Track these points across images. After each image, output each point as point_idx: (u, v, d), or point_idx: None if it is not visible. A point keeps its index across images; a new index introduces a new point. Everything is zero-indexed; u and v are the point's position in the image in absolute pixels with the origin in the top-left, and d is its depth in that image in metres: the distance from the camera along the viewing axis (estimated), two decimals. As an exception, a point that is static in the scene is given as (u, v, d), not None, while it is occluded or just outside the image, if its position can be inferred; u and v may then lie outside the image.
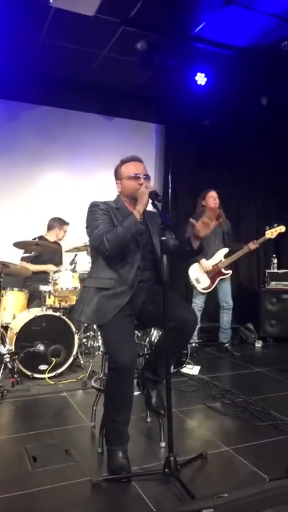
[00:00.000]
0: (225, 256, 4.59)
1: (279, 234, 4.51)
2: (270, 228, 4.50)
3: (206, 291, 4.59)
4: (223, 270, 4.58)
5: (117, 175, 2.45)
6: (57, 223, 4.75)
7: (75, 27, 4.07)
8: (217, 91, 4.80)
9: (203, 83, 4.63)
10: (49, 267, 4.38)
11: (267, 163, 6.10)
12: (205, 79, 4.62)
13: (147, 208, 2.31)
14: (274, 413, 2.90)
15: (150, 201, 2.24)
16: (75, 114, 5.41)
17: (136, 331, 2.93)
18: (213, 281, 4.58)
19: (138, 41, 4.10)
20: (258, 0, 3.72)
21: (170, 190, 5.88)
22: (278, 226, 4.48)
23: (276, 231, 4.47)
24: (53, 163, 5.40)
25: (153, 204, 2.25)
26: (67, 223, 4.76)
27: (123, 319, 2.24)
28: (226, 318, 4.71)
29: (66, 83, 5.20)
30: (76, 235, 4.40)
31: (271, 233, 4.47)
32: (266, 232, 4.49)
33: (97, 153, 5.44)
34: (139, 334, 3.10)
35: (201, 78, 4.62)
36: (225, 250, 4.61)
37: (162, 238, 2.08)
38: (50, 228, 4.77)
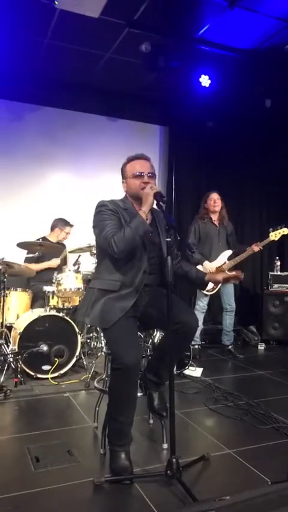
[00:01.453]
0: (229, 258, 4.59)
1: (283, 236, 4.51)
2: (274, 230, 4.48)
3: (209, 293, 4.59)
4: (227, 272, 4.57)
5: (123, 174, 2.42)
6: (60, 224, 4.75)
7: (80, 28, 4.08)
8: (221, 93, 4.80)
9: (207, 85, 4.63)
10: (52, 262, 4.39)
11: (271, 166, 6.09)
12: (209, 81, 4.62)
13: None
14: (276, 416, 2.90)
15: (155, 201, 2.24)
16: (80, 115, 5.43)
17: (139, 333, 2.93)
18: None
19: (142, 42, 4.11)
20: (262, 2, 3.72)
21: (173, 192, 5.88)
22: (281, 228, 4.47)
23: (280, 233, 4.45)
24: (57, 165, 5.42)
25: (158, 205, 2.25)
26: (70, 225, 4.75)
27: (127, 320, 2.23)
28: (229, 320, 4.70)
29: (71, 85, 5.22)
30: (80, 236, 4.42)
31: (275, 235, 4.45)
32: (270, 234, 4.47)
33: (101, 154, 5.46)
34: (142, 336, 3.10)
35: (205, 80, 4.62)
36: (229, 252, 4.60)
37: (167, 239, 2.08)
38: (52, 228, 4.78)
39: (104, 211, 2.29)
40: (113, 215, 2.29)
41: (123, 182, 2.44)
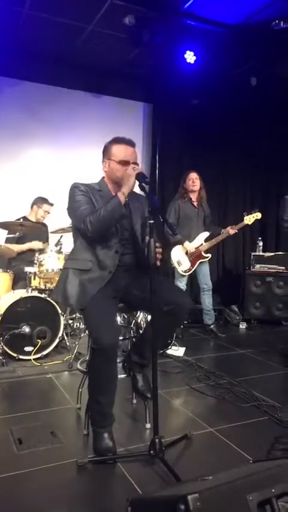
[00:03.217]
0: (206, 240, 4.62)
1: (256, 219, 4.62)
2: (248, 214, 4.61)
3: (186, 274, 4.62)
4: (203, 254, 4.61)
5: (106, 154, 2.36)
6: (38, 201, 4.65)
7: (60, -1, 3.92)
8: (206, 70, 4.70)
9: (192, 62, 4.53)
10: (34, 244, 4.32)
11: (255, 145, 6.07)
12: (194, 57, 4.52)
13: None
14: (257, 394, 2.96)
15: (137, 182, 2.19)
16: (61, 90, 5.27)
17: (123, 314, 2.93)
18: (193, 264, 4.60)
19: (126, 15, 3.97)
20: (250, -24, 3.63)
21: (157, 171, 5.81)
22: (255, 212, 4.61)
23: (253, 217, 4.62)
24: (37, 141, 5.27)
25: (141, 186, 2.20)
26: (49, 203, 4.65)
27: (105, 301, 2.22)
28: (207, 299, 4.75)
29: (51, 58, 5.03)
30: (61, 216, 4.31)
31: (249, 219, 4.62)
32: (244, 218, 4.62)
33: (83, 131, 5.33)
34: (125, 317, 3.10)
35: (190, 57, 4.51)
36: (206, 233, 4.66)
37: (150, 221, 2.04)
38: (31, 207, 4.69)
39: (76, 193, 2.29)
40: (84, 196, 2.28)
41: (104, 162, 2.38)
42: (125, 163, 2.28)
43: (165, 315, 2.13)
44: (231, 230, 4.53)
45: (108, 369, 2.14)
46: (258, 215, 4.60)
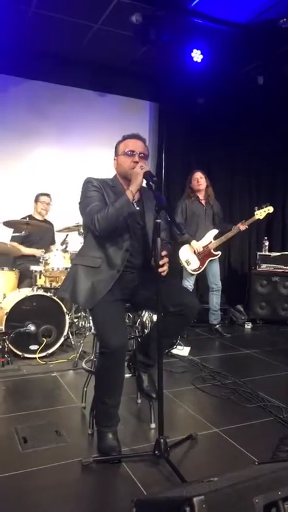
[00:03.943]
0: (215, 237, 4.59)
1: (268, 214, 4.53)
2: (259, 209, 4.53)
3: (195, 273, 4.60)
4: (213, 251, 4.58)
5: (116, 151, 2.39)
6: (36, 197, 4.71)
7: (67, -3, 3.92)
8: (213, 69, 4.68)
9: (199, 60, 4.51)
10: (37, 251, 4.31)
11: (261, 145, 6.05)
12: (201, 56, 4.50)
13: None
14: (263, 394, 2.94)
15: (145, 181, 2.19)
16: (67, 89, 5.27)
17: (129, 313, 2.92)
18: (203, 262, 4.57)
19: (133, 13, 3.96)
20: (258, -27, 3.60)
21: (163, 170, 5.79)
22: (266, 206, 4.51)
23: (265, 211, 4.52)
24: (43, 140, 5.28)
25: (148, 185, 2.20)
26: (46, 194, 4.69)
27: (114, 303, 2.22)
28: (215, 299, 4.73)
29: (58, 57, 5.04)
30: (67, 215, 4.34)
31: (260, 214, 4.51)
32: (255, 212, 4.54)
33: (89, 130, 5.33)
34: (131, 316, 3.09)
35: (197, 55, 4.49)
36: (215, 231, 4.61)
37: (157, 220, 2.04)
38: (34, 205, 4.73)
39: (89, 188, 2.28)
40: (97, 192, 2.26)
41: (114, 159, 2.40)
42: (130, 153, 2.29)
43: (174, 316, 2.13)
44: (242, 226, 4.47)
45: (116, 372, 2.13)
46: (270, 209, 4.50)
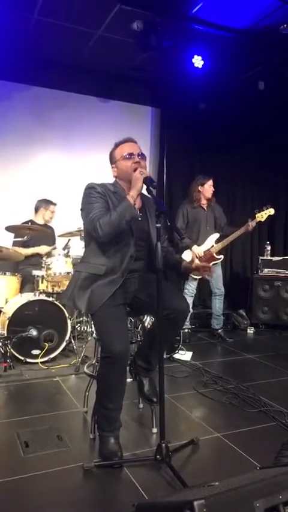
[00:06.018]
0: (217, 241, 4.58)
1: (269, 216, 4.51)
2: (260, 211, 4.49)
3: (198, 277, 4.58)
4: (215, 255, 4.57)
5: (112, 159, 2.39)
6: (43, 204, 4.70)
7: (69, 5, 3.94)
8: (214, 74, 4.71)
9: (200, 66, 4.54)
10: (42, 248, 4.34)
11: (263, 149, 6.06)
12: (202, 62, 4.52)
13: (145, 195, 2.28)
14: (265, 399, 2.93)
15: (145, 186, 2.19)
16: (69, 95, 5.30)
17: (130, 318, 2.92)
18: None
19: (134, 20, 3.98)
20: (258, -20, 3.63)
21: (165, 176, 5.81)
22: (267, 209, 4.48)
23: (266, 213, 4.48)
24: (46, 146, 5.30)
25: (148, 190, 2.20)
26: (53, 203, 4.71)
27: (116, 308, 2.22)
28: (218, 304, 4.72)
29: (60, 64, 5.08)
30: (69, 220, 4.36)
31: (261, 216, 4.48)
32: (257, 215, 4.48)
33: (91, 135, 5.36)
34: (132, 320, 3.10)
35: (198, 61, 4.52)
36: (216, 235, 4.61)
37: (157, 225, 2.04)
38: (36, 210, 4.72)
39: (92, 194, 2.26)
40: (100, 198, 2.25)
41: (112, 167, 2.40)
42: (129, 156, 2.29)
43: (164, 320, 2.10)
44: (249, 226, 4.40)
45: (118, 377, 2.13)
46: (271, 211, 4.45)
